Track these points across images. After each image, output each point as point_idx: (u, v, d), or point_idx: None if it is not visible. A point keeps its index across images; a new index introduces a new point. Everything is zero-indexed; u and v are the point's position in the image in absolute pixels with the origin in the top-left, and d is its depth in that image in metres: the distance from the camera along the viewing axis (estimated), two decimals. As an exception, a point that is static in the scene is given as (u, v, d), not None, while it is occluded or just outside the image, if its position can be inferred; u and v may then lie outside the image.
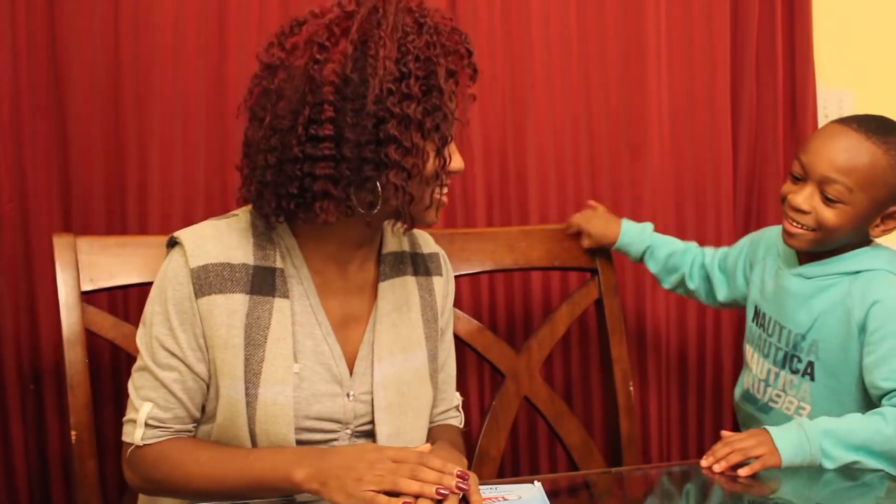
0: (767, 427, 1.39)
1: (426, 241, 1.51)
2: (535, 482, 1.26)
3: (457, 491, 1.12)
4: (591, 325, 2.09)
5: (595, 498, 1.36)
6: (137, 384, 1.30)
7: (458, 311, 1.82)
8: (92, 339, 1.59)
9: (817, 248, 1.55)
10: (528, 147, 2.09)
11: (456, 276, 1.79)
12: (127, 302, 1.82)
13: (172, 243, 1.31)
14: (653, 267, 1.90)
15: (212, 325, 1.26)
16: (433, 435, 1.47)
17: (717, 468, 1.33)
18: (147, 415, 1.27)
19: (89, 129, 1.81)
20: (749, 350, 1.73)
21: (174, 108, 1.83)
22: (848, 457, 1.37)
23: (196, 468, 1.25)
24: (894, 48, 2.51)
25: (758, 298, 1.70)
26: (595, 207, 1.96)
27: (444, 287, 1.49)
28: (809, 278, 1.58)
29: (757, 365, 1.69)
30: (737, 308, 1.89)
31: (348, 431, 1.33)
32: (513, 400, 1.87)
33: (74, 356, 1.53)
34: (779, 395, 1.65)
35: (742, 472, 1.32)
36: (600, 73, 2.15)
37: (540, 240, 1.92)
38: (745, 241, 1.82)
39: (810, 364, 1.58)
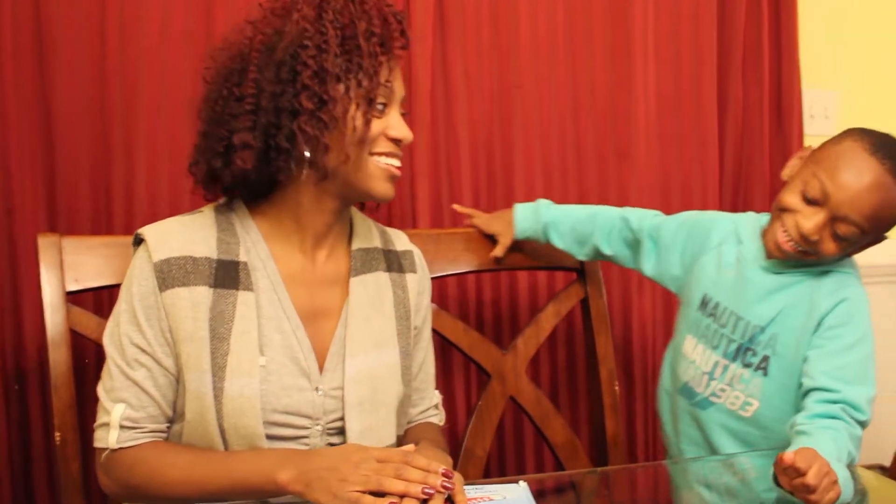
0: (813, 448, 1.22)
1: (400, 239, 1.52)
2: (521, 482, 1.26)
3: (442, 490, 1.12)
4: (578, 324, 2.09)
5: (581, 498, 1.36)
6: (108, 387, 1.29)
7: (443, 310, 1.83)
8: (77, 339, 1.58)
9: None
10: (516, 146, 2.10)
11: (442, 277, 1.80)
12: (112, 302, 1.79)
13: (138, 240, 1.33)
14: (559, 242, 1.81)
15: (177, 318, 1.26)
16: (414, 434, 1.47)
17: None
18: (121, 416, 1.27)
19: (75, 129, 1.81)
20: (691, 341, 1.63)
21: (160, 108, 1.83)
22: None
23: (175, 472, 1.24)
24: (879, 50, 2.53)
25: (709, 287, 1.61)
26: (477, 215, 1.88)
27: (418, 284, 1.49)
28: (776, 273, 1.54)
29: (701, 357, 1.61)
30: (658, 283, 1.77)
31: (319, 428, 1.31)
32: (499, 400, 1.87)
33: (59, 357, 1.52)
34: (723, 390, 1.58)
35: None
36: (587, 73, 2.15)
37: (525, 240, 1.89)
38: (685, 224, 1.71)
39: (765, 358, 1.53)
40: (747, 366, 1.55)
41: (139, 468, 1.26)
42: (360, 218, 1.46)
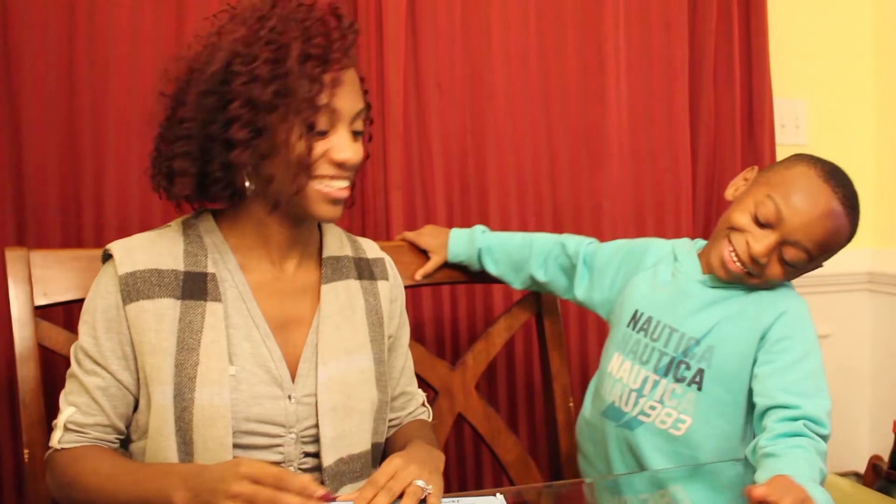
0: (787, 476, 1.21)
1: (370, 247, 1.52)
2: (498, 494, 1.25)
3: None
4: (535, 339, 2.08)
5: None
6: (66, 390, 1.32)
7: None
8: (46, 354, 1.55)
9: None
10: (489, 157, 2.09)
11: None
12: (82, 316, 1.78)
13: (106, 256, 1.33)
14: (493, 269, 1.78)
15: (140, 330, 1.26)
16: (405, 432, 1.47)
17: None
18: (67, 418, 1.28)
19: (44, 140, 1.78)
20: (617, 359, 1.60)
21: (130, 119, 1.81)
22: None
23: (94, 480, 1.24)
24: (844, 60, 2.57)
25: (641, 303, 1.58)
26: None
27: (390, 291, 1.49)
28: (713, 287, 1.52)
29: (629, 374, 1.56)
30: (588, 308, 1.76)
31: (293, 436, 1.31)
32: (446, 416, 1.83)
33: (27, 372, 1.50)
34: (653, 408, 1.53)
35: None
36: (560, 84, 2.16)
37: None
38: (621, 249, 1.71)
39: (700, 372, 1.49)
40: (680, 380, 1.50)
41: (69, 469, 1.27)
42: (329, 227, 1.46)
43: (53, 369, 1.72)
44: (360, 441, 1.36)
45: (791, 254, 1.44)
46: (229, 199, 1.32)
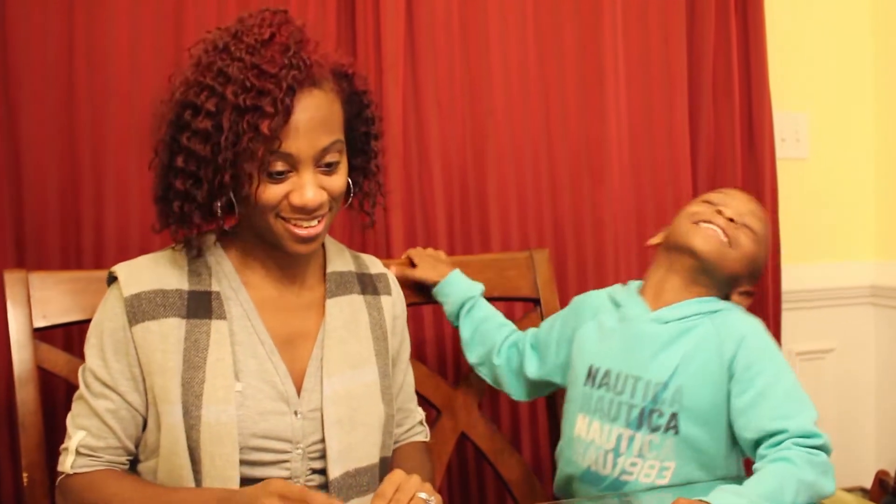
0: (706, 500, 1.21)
1: (373, 263, 1.52)
2: None
3: None
4: None
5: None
6: (74, 413, 1.31)
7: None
8: (45, 376, 1.55)
9: (712, 266, 1.51)
10: (489, 173, 2.09)
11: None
12: (82, 338, 1.76)
13: (111, 278, 1.33)
14: (466, 328, 1.74)
15: (147, 351, 1.26)
16: (397, 458, 1.47)
17: None
18: (79, 442, 1.28)
19: (43, 162, 1.78)
20: (583, 420, 1.53)
21: (129, 139, 1.81)
22: None
23: (117, 503, 1.24)
24: (846, 71, 2.56)
25: (593, 357, 1.54)
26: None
27: (392, 307, 1.49)
28: (667, 322, 1.49)
29: (600, 434, 1.49)
30: (542, 393, 1.77)
31: (300, 452, 1.31)
32: (449, 436, 1.82)
33: (26, 395, 1.49)
34: (634, 464, 1.45)
35: None
36: (559, 99, 2.16)
37: (479, 269, 1.84)
38: (556, 316, 1.71)
39: (673, 416, 1.43)
40: (655, 430, 1.44)
41: (87, 495, 1.26)
42: (331, 243, 1.46)
43: (53, 392, 1.71)
44: (367, 455, 1.36)
45: (744, 222, 1.52)
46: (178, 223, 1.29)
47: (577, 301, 1.69)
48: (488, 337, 1.73)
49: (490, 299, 1.82)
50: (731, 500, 1.20)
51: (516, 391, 1.74)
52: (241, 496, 1.15)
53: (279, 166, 1.22)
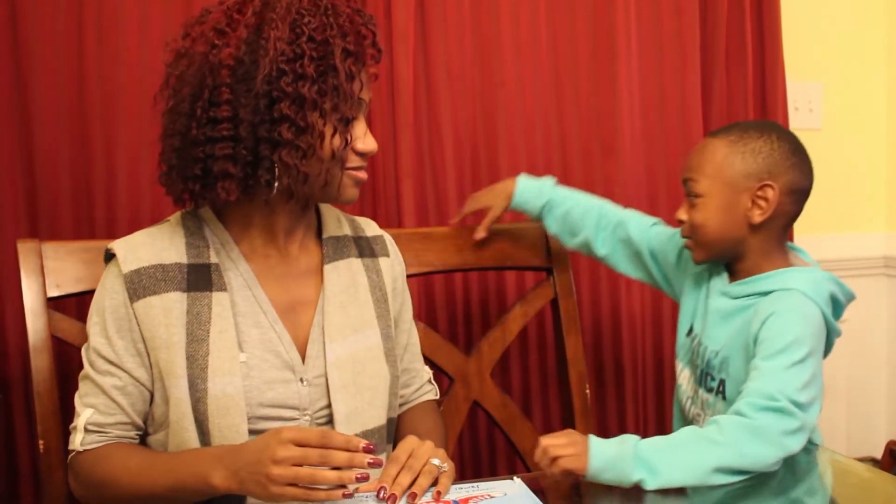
0: (591, 436, 1.28)
1: (369, 225, 1.53)
2: (515, 478, 1.26)
3: (368, 469, 1.12)
4: (549, 325, 2.08)
5: (582, 493, 1.35)
6: (81, 392, 1.32)
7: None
8: (59, 345, 1.56)
9: (711, 254, 1.53)
10: (500, 145, 2.09)
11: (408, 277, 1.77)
12: (96, 308, 1.79)
13: (109, 256, 1.33)
14: (552, 226, 1.79)
15: (150, 326, 1.27)
16: (409, 420, 1.49)
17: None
18: (87, 420, 1.28)
19: (55, 134, 1.79)
20: (679, 365, 1.64)
21: (140, 110, 1.81)
22: (678, 476, 1.26)
23: (126, 474, 1.25)
24: (862, 41, 2.54)
25: (691, 314, 1.62)
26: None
27: (391, 268, 1.49)
28: (733, 298, 1.52)
29: (687, 382, 1.61)
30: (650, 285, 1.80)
31: (307, 418, 1.32)
32: (462, 404, 1.83)
33: (41, 363, 1.51)
34: (698, 415, 1.56)
35: (552, 470, 1.25)
36: (571, 70, 2.15)
37: (491, 239, 1.86)
38: (676, 247, 1.70)
39: (722, 382, 1.49)
40: (710, 391, 1.53)
41: (97, 469, 1.28)
42: (326, 208, 1.46)
43: (67, 360, 1.73)
44: (374, 417, 1.37)
45: (690, 191, 1.52)
46: (264, 197, 1.29)
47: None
48: (577, 230, 1.77)
49: (502, 268, 1.86)
50: (609, 442, 1.27)
51: (628, 270, 1.78)
52: (247, 449, 1.15)
53: (356, 112, 1.29)
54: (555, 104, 2.14)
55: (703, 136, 2.24)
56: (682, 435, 1.31)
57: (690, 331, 1.61)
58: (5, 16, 1.74)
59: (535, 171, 2.11)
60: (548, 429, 2.15)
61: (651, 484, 1.24)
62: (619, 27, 2.15)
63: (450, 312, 2.09)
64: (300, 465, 1.10)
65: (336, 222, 1.46)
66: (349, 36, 1.25)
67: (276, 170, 1.24)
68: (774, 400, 1.30)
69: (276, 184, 1.25)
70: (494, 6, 2.07)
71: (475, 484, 1.25)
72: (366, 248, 1.47)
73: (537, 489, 1.24)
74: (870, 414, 2.61)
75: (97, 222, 1.82)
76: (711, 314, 1.55)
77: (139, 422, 1.31)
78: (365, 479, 1.12)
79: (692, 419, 1.58)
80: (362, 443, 1.13)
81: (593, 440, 1.27)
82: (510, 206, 1.80)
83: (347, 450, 1.12)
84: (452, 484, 1.22)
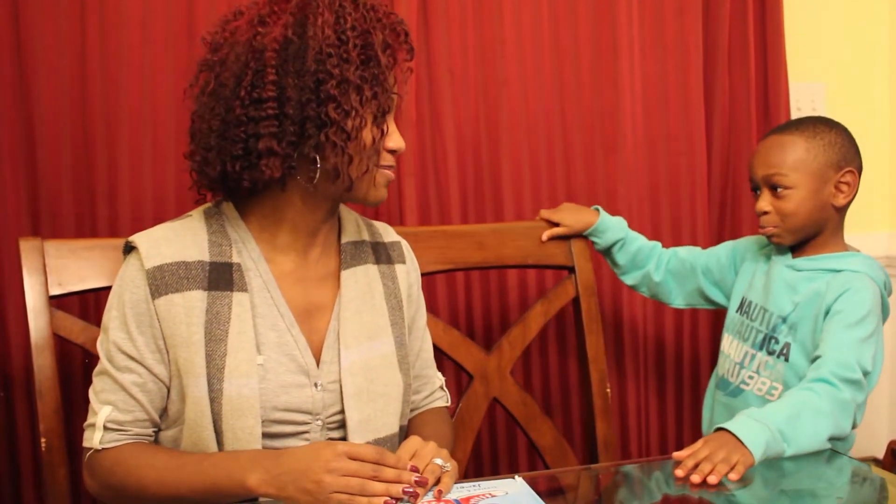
0: (726, 427, 1.38)
1: (386, 231, 1.52)
2: (516, 477, 1.26)
3: (417, 488, 1.16)
4: (570, 323, 2.08)
5: (577, 494, 1.35)
6: (97, 388, 1.30)
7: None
8: (62, 344, 1.56)
9: (798, 237, 1.72)
10: (502, 143, 2.09)
11: (423, 275, 1.78)
12: (98, 306, 1.79)
13: (129, 248, 1.32)
14: (621, 259, 1.94)
15: (171, 324, 1.26)
16: (420, 425, 1.48)
17: (696, 479, 1.29)
18: (106, 418, 1.27)
19: (57, 131, 1.79)
20: (727, 339, 1.83)
21: (142, 108, 1.82)
22: (806, 444, 1.41)
23: (151, 474, 1.24)
24: (865, 41, 2.53)
25: (746, 290, 1.82)
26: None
27: (407, 275, 1.49)
28: (799, 270, 1.71)
29: (735, 350, 1.80)
30: (695, 308, 2.00)
31: (319, 423, 1.32)
32: (481, 401, 1.84)
33: (43, 362, 1.50)
34: (751, 377, 1.75)
35: (732, 476, 1.30)
36: (573, 69, 2.14)
37: (512, 237, 1.88)
38: (728, 250, 1.92)
39: (787, 345, 1.69)
40: (771, 353, 1.71)
41: (118, 469, 1.27)
42: (345, 212, 1.46)
43: (69, 358, 1.73)
44: (386, 425, 1.37)
45: (775, 184, 1.68)
46: (274, 186, 1.29)
47: (741, 246, 1.90)
48: (643, 264, 1.95)
49: (525, 267, 1.93)
50: (750, 426, 1.37)
51: (677, 299, 1.97)
52: (293, 456, 1.17)
53: (391, 105, 1.31)
54: (557, 103, 2.14)
55: (704, 136, 2.25)
56: (794, 405, 1.45)
57: (740, 307, 1.81)
58: (8, 14, 1.74)
59: (538, 170, 2.12)
60: (568, 426, 2.17)
61: (789, 452, 1.39)
62: (622, 26, 2.15)
63: (470, 310, 2.09)
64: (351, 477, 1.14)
65: (355, 227, 1.46)
66: (387, 30, 1.29)
67: (325, 149, 1.25)
68: (853, 371, 1.52)
69: (321, 165, 1.27)
70: (497, 5, 2.07)
71: (477, 483, 1.25)
72: (383, 255, 1.47)
73: (538, 489, 1.24)
74: (872, 414, 2.59)
75: (99, 221, 1.82)
76: (776, 285, 1.73)
77: (157, 418, 1.30)
78: (412, 494, 1.15)
79: (740, 383, 1.76)
80: (409, 464, 1.18)
81: (740, 433, 1.35)
82: (584, 232, 1.92)
83: (396, 468, 1.17)
84: (454, 483, 1.23)
